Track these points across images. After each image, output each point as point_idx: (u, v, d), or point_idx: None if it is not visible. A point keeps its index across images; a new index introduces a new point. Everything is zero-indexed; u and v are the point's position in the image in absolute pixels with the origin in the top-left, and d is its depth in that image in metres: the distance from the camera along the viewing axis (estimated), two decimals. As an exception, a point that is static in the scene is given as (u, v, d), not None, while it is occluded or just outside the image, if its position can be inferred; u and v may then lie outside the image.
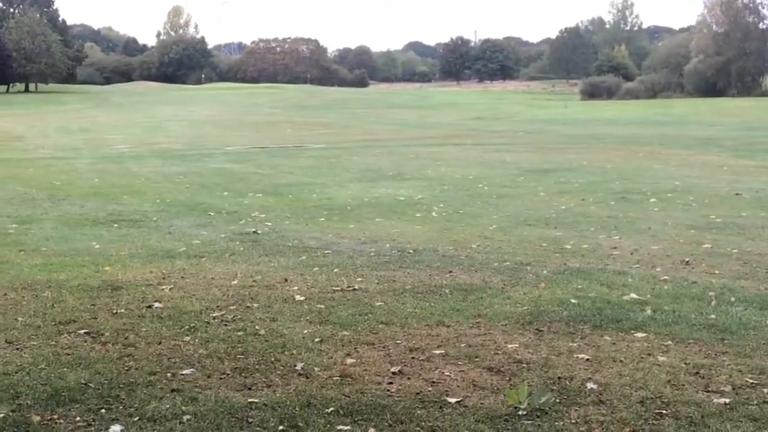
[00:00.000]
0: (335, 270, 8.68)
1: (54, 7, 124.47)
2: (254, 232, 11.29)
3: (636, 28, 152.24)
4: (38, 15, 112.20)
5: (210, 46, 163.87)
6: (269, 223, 12.11)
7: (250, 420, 4.70)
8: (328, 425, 4.63)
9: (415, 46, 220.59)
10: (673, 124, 48.46)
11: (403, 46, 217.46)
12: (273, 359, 5.71)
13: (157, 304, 7.16)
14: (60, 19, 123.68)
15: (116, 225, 12.08)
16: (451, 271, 8.59)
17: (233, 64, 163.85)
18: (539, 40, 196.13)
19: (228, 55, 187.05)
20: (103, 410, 4.83)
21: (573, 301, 7.21)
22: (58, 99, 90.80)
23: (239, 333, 6.31)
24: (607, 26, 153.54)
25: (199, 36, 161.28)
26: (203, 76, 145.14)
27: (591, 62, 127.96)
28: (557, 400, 4.93)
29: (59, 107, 76.28)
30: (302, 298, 7.41)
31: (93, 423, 4.68)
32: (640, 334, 6.24)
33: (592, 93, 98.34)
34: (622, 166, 21.11)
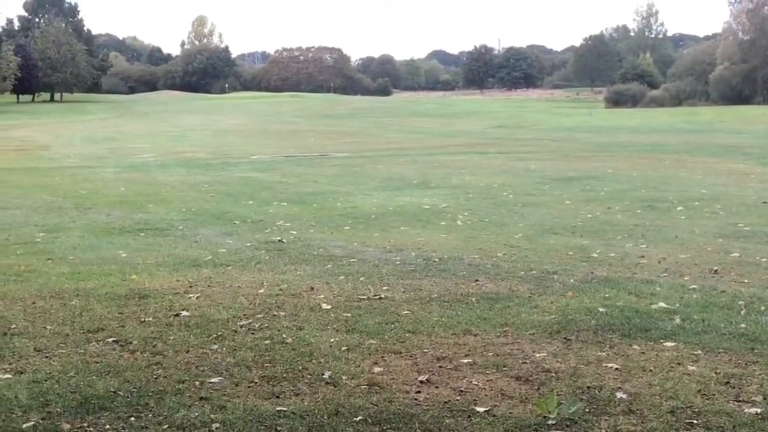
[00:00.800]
0: (361, 278, 8.68)
1: (79, 17, 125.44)
2: (280, 240, 11.30)
3: (661, 36, 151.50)
4: (63, 25, 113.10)
5: (234, 55, 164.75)
6: (294, 232, 12.12)
7: (278, 428, 4.71)
8: (357, 434, 4.62)
9: (439, 55, 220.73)
10: (698, 131, 48.17)
11: (426, 55, 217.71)
12: (300, 368, 5.71)
13: (184, 313, 7.19)
14: (85, 28, 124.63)
15: (142, 234, 12.12)
16: (477, 280, 8.56)
17: (257, 73, 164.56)
18: (563, 48, 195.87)
19: (252, 64, 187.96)
20: (132, 418, 4.85)
21: (601, 309, 7.17)
22: (83, 108, 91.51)
23: (266, 341, 6.31)
24: (632, 34, 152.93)
25: (223, 45, 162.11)
26: (227, 85, 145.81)
27: (615, 70, 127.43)
28: (587, 410, 4.90)
29: (84, 116, 76.87)
30: (329, 307, 7.42)
31: (122, 431, 4.70)
32: (669, 344, 6.20)
33: (616, 101, 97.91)
34: (647, 174, 20.99)
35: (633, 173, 21.38)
